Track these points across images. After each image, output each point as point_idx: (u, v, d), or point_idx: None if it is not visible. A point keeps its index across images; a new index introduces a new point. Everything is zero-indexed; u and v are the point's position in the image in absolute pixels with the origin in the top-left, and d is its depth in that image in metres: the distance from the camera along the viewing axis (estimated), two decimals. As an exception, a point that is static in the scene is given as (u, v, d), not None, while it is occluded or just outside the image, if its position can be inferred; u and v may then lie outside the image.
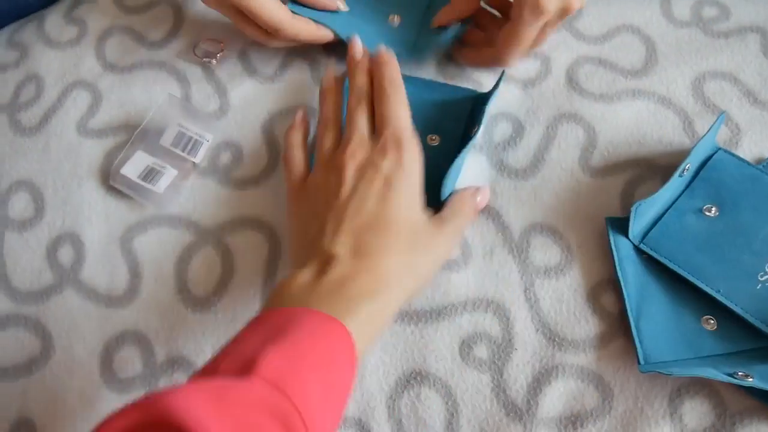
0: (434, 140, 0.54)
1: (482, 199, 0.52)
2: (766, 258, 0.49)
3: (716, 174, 0.51)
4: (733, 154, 0.52)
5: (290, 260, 0.51)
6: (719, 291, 0.48)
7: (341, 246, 0.45)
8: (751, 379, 0.43)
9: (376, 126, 0.50)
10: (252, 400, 0.34)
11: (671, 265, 0.49)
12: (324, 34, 0.55)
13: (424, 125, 0.53)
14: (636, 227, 0.50)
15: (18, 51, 0.61)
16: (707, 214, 0.50)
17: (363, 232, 0.46)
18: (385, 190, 0.47)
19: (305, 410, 0.35)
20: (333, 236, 0.46)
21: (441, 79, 0.57)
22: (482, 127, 0.53)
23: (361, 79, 0.52)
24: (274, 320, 0.41)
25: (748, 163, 0.52)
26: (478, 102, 0.55)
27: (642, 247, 0.50)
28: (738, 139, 0.54)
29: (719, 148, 0.52)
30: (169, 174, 0.53)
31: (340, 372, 0.40)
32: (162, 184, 0.52)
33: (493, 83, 0.54)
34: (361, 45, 0.54)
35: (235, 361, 0.37)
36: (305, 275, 0.44)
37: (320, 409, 0.37)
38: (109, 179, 0.53)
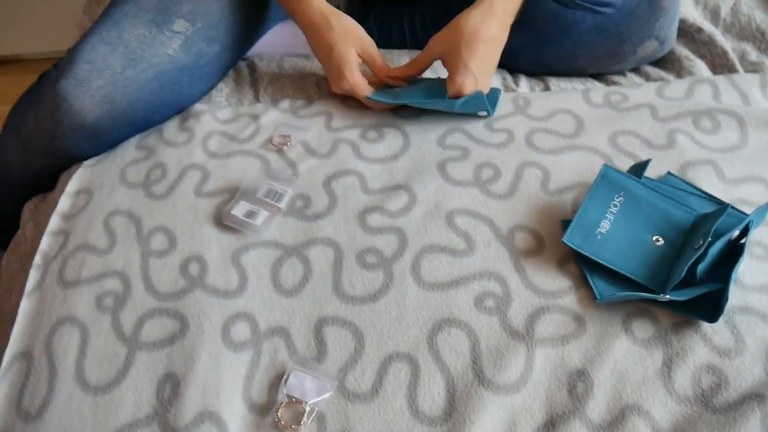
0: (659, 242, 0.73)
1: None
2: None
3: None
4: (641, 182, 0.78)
5: None
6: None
7: None
8: (668, 296, 0.65)
9: None
10: None
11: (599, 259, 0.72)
12: None
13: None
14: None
15: (145, 151, 0.88)
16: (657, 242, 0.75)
17: None
18: None
19: None
20: None
21: None
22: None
23: None
24: None
25: (651, 179, 0.78)
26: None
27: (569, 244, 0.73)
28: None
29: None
30: (263, 214, 0.77)
31: None
32: (259, 220, 0.76)
33: None
34: None
35: None
36: None
37: None
38: (222, 219, 0.77)
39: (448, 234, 0.75)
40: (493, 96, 0.90)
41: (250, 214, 0.77)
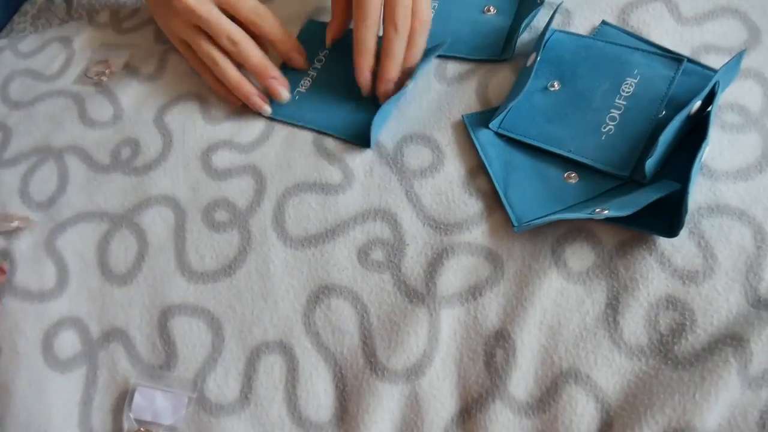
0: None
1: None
2: (605, 112, 0.53)
3: (554, 53, 0.57)
4: (566, 32, 0.57)
5: None
6: (570, 151, 0.52)
7: None
8: (606, 212, 0.47)
9: None
10: None
11: (526, 140, 0.54)
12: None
13: None
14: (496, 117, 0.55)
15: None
16: (551, 89, 0.55)
17: None
18: None
19: None
20: None
21: None
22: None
23: None
24: None
25: (581, 35, 0.57)
26: None
27: (500, 131, 0.54)
28: (570, 20, 0.59)
29: (554, 30, 0.58)
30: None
31: None
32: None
33: None
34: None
35: None
36: None
37: None
38: None
39: (318, 162, 0.57)
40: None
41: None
